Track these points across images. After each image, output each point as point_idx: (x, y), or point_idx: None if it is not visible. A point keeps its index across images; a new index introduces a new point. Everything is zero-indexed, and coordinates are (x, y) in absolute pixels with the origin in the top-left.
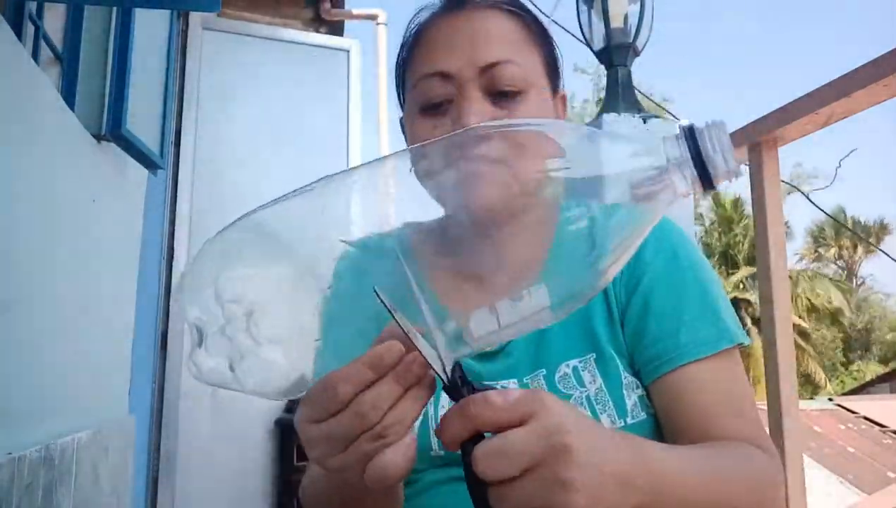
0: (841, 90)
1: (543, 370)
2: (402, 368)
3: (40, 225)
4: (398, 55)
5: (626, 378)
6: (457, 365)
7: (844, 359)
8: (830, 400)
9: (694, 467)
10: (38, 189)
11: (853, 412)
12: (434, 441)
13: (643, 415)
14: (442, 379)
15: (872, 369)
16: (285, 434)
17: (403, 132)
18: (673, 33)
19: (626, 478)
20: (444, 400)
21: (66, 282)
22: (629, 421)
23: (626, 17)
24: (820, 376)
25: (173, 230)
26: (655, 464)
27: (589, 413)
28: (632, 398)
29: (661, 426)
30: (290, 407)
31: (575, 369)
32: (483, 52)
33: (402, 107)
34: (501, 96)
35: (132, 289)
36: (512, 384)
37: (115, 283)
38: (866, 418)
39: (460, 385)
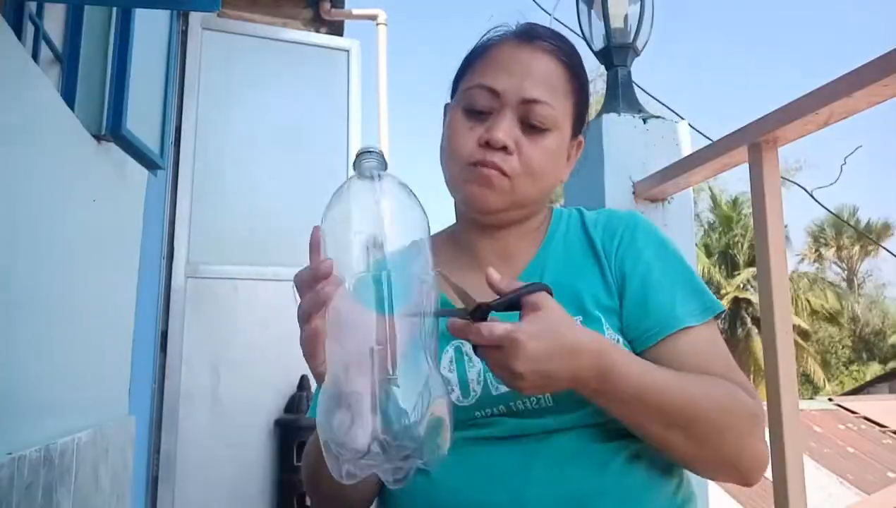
0: (841, 90)
1: None
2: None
3: (40, 225)
4: (468, 54)
5: (609, 334)
6: (479, 306)
7: (846, 359)
8: (830, 400)
9: (663, 376)
10: (38, 189)
11: (853, 412)
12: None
13: None
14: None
15: (872, 369)
16: (285, 434)
17: (445, 114)
18: (673, 32)
19: (576, 377)
20: (444, 362)
21: (66, 282)
22: None
23: (626, 18)
24: (819, 376)
25: (173, 230)
26: (616, 367)
27: None
28: None
29: None
30: (290, 408)
31: None
32: (530, 87)
33: (452, 94)
34: (530, 128)
35: (132, 289)
36: None
37: (115, 283)
38: (866, 418)
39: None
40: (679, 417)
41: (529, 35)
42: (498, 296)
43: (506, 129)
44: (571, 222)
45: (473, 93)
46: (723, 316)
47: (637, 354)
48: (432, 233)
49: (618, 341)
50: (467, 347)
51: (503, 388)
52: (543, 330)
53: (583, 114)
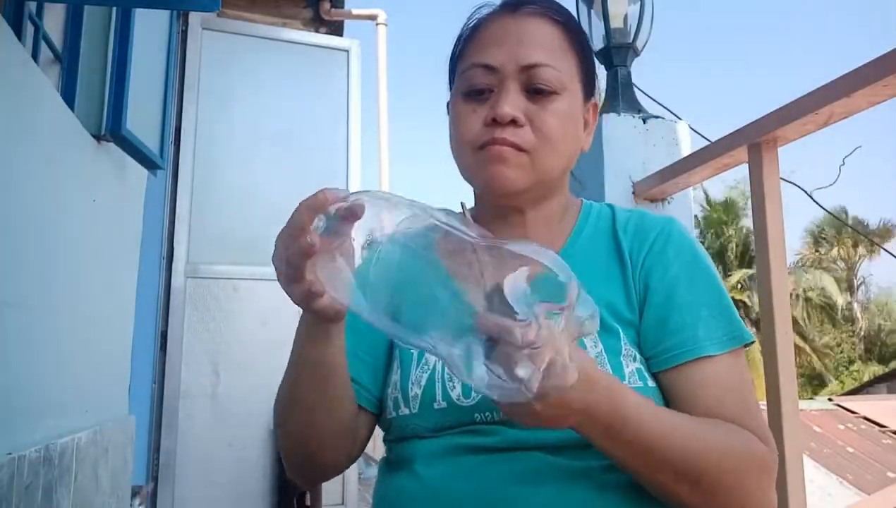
0: (841, 90)
1: None
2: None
3: (40, 225)
4: (454, 46)
5: (626, 349)
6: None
7: (846, 360)
8: (830, 400)
9: (677, 423)
10: (38, 189)
11: (853, 412)
12: (439, 391)
13: (640, 384)
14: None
15: (872, 369)
16: None
17: (449, 114)
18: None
19: (589, 411)
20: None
21: (66, 282)
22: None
23: (625, 18)
24: (819, 376)
25: (173, 230)
26: (628, 407)
27: None
28: (629, 367)
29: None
30: None
31: None
32: (526, 53)
33: (450, 88)
34: (536, 93)
35: (132, 289)
36: None
37: (115, 283)
38: (866, 418)
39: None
40: (688, 469)
41: (515, 4)
42: None
43: (511, 101)
44: (601, 220)
45: (469, 74)
46: (751, 346)
47: (654, 376)
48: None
49: (635, 357)
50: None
51: None
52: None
53: (591, 74)
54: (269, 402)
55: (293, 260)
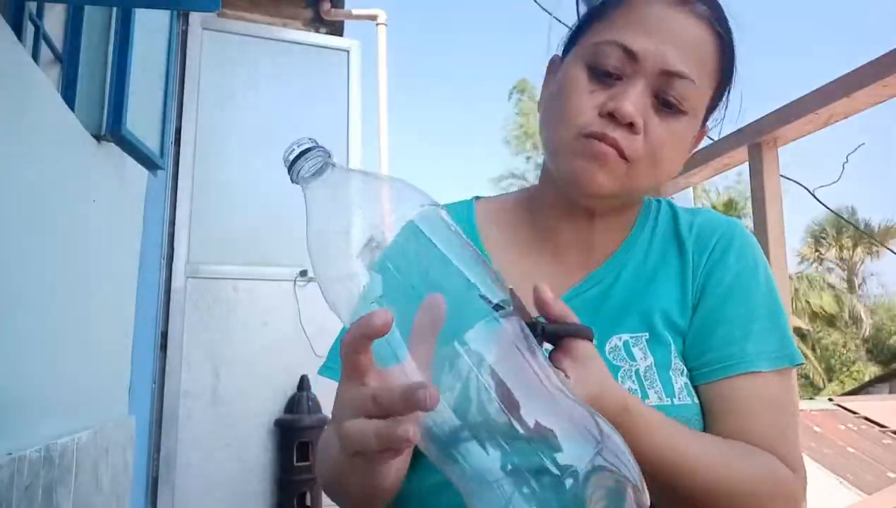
0: (841, 90)
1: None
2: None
3: (40, 225)
4: (594, 2)
5: (676, 362)
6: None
7: (847, 360)
8: (830, 400)
9: (697, 445)
10: (38, 189)
11: (853, 412)
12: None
13: (688, 400)
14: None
15: (872, 370)
16: (285, 434)
17: (549, 70)
18: None
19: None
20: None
21: (66, 282)
22: (676, 402)
23: None
24: (819, 376)
25: (173, 230)
26: (641, 424)
27: (637, 387)
28: (679, 382)
29: (706, 425)
30: (290, 408)
31: (626, 343)
32: (675, 57)
33: (566, 48)
34: (664, 105)
35: (132, 289)
36: None
37: (115, 283)
38: (866, 418)
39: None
40: (711, 498)
41: None
42: (542, 319)
43: (636, 102)
44: (662, 217)
45: (603, 49)
46: (800, 367)
47: (694, 388)
48: (503, 196)
49: (683, 371)
50: None
51: None
52: (576, 383)
53: (719, 101)
54: (269, 402)
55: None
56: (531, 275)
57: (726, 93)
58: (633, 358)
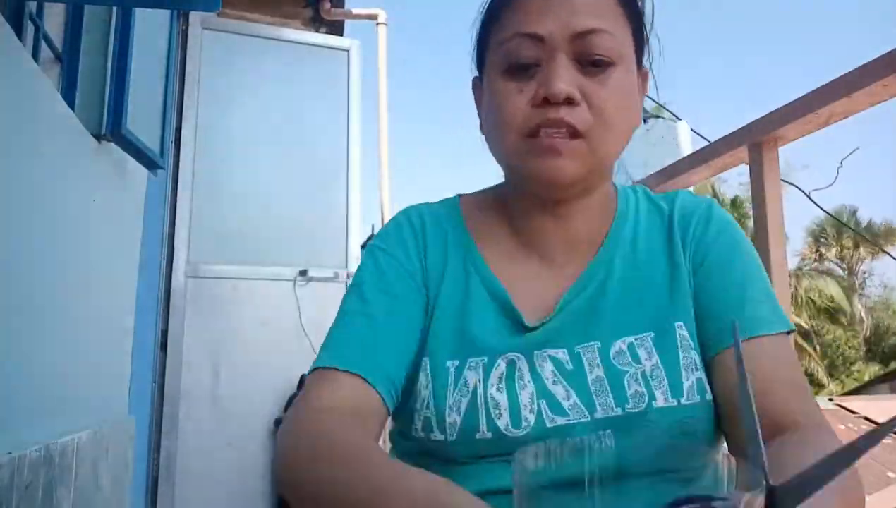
0: (841, 90)
1: (597, 343)
2: None
3: (40, 224)
4: (484, 12)
5: (685, 358)
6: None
7: (849, 360)
8: (830, 399)
9: None
10: (38, 189)
11: (853, 412)
12: (483, 420)
13: (697, 398)
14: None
15: (873, 369)
16: None
17: (475, 93)
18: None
19: None
20: (493, 378)
21: (66, 282)
22: (683, 401)
23: None
24: (820, 376)
25: (173, 230)
26: None
27: (644, 389)
28: (689, 379)
29: (721, 402)
30: (290, 407)
31: (631, 345)
32: (579, 19)
33: (478, 67)
34: (591, 65)
35: (132, 289)
36: (562, 353)
37: (115, 283)
38: (866, 418)
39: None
40: None
41: None
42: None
43: (564, 77)
44: (641, 202)
45: (511, 46)
46: (793, 334)
47: (703, 362)
48: (483, 192)
49: (695, 366)
50: (521, 361)
51: (560, 420)
52: None
53: (643, 40)
54: (269, 402)
55: None
56: (524, 282)
57: (645, 30)
58: (638, 361)
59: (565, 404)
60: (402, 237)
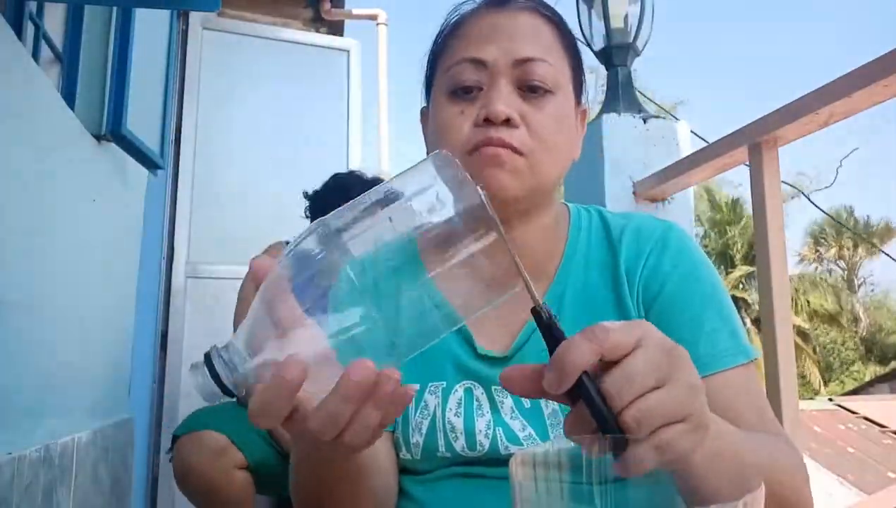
0: (841, 90)
1: None
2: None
3: (40, 224)
4: (432, 44)
5: None
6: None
7: (848, 360)
8: (830, 400)
9: (752, 441)
10: (38, 189)
11: (853, 412)
12: (441, 442)
13: None
14: (542, 312)
15: (872, 369)
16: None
17: (423, 122)
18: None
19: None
20: (451, 403)
21: (66, 282)
22: None
23: (626, 17)
24: (816, 377)
25: (173, 230)
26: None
27: None
28: None
29: None
30: None
31: None
32: (520, 47)
33: (426, 97)
34: (531, 91)
35: (132, 289)
36: None
37: (115, 283)
38: (866, 418)
39: (555, 321)
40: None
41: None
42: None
43: (505, 99)
44: (593, 228)
45: (455, 71)
46: (756, 361)
47: None
48: None
49: None
50: (479, 391)
51: (513, 448)
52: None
53: (580, 79)
54: None
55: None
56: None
57: (581, 68)
58: None
59: (521, 434)
60: None
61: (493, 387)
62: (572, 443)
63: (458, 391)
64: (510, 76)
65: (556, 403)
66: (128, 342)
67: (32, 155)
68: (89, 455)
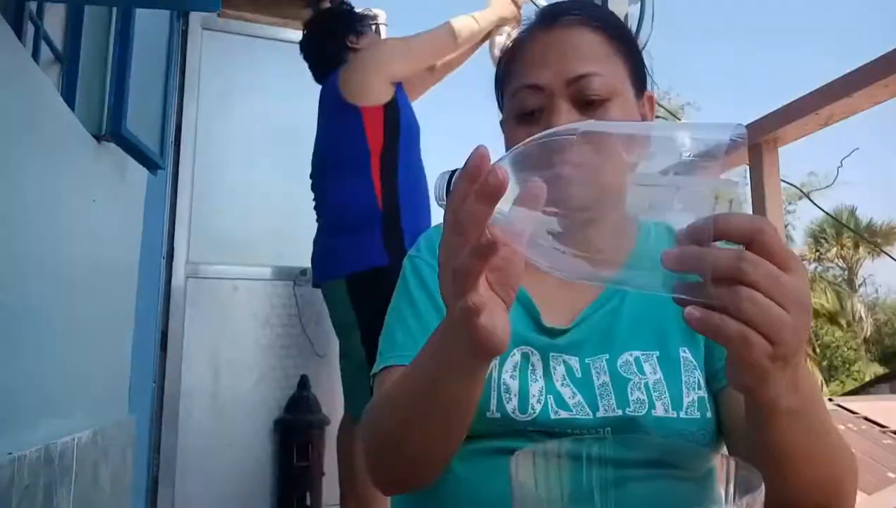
0: (841, 90)
1: (606, 355)
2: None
3: (40, 225)
4: (497, 70)
5: (688, 378)
6: None
7: (849, 360)
8: (830, 400)
9: (830, 423)
10: (38, 189)
11: (853, 412)
12: (493, 402)
13: (698, 414)
14: None
15: (872, 369)
16: (285, 434)
17: (503, 132)
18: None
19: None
20: (508, 366)
21: (66, 282)
22: (682, 415)
23: (626, 17)
24: (817, 377)
25: (173, 230)
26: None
27: (645, 397)
28: (690, 396)
29: (727, 432)
30: (290, 408)
31: (637, 359)
32: (570, 66)
33: (501, 109)
34: (588, 105)
35: (132, 289)
36: (574, 361)
37: (115, 283)
38: (866, 418)
39: None
40: (832, 453)
41: (552, 16)
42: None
43: (564, 117)
44: (661, 229)
45: (517, 97)
46: None
47: (712, 391)
48: None
49: (698, 384)
50: (535, 357)
51: (563, 413)
52: None
53: (640, 70)
54: (269, 402)
55: (461, 271)
56: (546, 290)
57: (638, 59)
58: (642, 373)
59: (570, 401)
60: (433, 246)
61: (550, 354)
62: (572, 443)
63: (516, 355)
64: (566, 95)
65: (607, 376)
66: (128, 342)
67: (32, 155)
68: (89, 455)
